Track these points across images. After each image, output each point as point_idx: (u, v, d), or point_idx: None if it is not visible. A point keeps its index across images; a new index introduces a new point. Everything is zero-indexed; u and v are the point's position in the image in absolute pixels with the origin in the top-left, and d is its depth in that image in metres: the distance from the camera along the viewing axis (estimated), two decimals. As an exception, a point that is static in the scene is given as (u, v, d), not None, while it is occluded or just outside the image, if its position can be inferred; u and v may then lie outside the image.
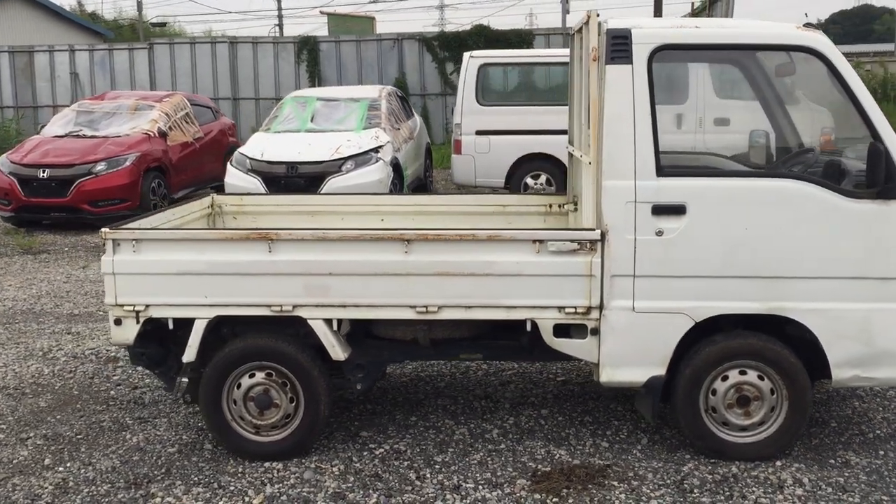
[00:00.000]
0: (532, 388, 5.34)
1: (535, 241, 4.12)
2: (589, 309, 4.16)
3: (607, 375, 4.22)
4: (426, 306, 4.20)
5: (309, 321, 4.26)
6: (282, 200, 5.82)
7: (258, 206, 5.75)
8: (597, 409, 4.98)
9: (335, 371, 4.46)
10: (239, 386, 4.37)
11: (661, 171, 4.08)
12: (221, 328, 4.43)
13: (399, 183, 11.28)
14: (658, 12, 25.95)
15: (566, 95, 11.73)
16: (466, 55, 11.96)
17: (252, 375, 4.36)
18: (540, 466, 4.27)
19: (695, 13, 17.21)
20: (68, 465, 4.45)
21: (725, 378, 4.22)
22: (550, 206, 5.67)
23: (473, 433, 4.68)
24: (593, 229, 4.12)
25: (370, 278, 4.19)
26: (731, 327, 4.26)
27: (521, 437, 4.62)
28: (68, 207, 11.46)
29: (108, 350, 6.32)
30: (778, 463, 4.24)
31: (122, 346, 4.42)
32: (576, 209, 5.60)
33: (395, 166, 11.15)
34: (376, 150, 10.82)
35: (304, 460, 4.38)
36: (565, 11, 30.21)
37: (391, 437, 4.64)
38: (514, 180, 11.86)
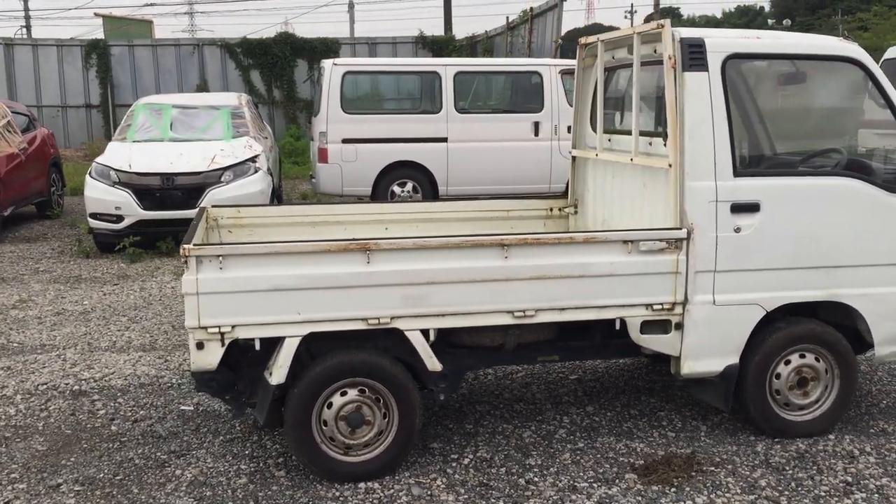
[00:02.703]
0: (555, 388, 5.46)
1: (626, 242, 4.26)
2: (674, 305, 4.35)
3: (689, 367, 4.43)
4: (524, 310, 4.21)
5: (406, 333, 4.13)
6: (280, 212, 5.54)
7: (256, 218, 5.44)
8: (633, 402, 5.18)
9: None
10: (330, 405, 4.15)
11: (737, 171, 4.35)
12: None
13: (271, 194, 10.93)
14: (448, 23, 26.74)
15: (431, 103, 11.99)
16: (328, 63, 11.81)
17: (344, 393, 4.16)
18: (632, 460, 4.40)
19: (510, 26, 17.91)
20: (135, 509, 4.03)
21: (788, 362, 4.57)
22: (551, 209, 5.82)
23: (542, 435, 4.72)
24: (679, 228, 4.32)
25: (469, 285, 4.13)
26: (780, 315, 4.60)
27: (590, 434, 4.72)
28: None
29: (65, 384, 5.70)
30: (832, 437, 4.65)
31: (203, 372, 4.05)
32: (576, 212, 5.79)
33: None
34: (253, 159, 10.43)
35: (397, 478, 4.24)
36: (352, 20, 30.47)
37: (465, 447, 4.58)
38: (381, 188, 11.87)
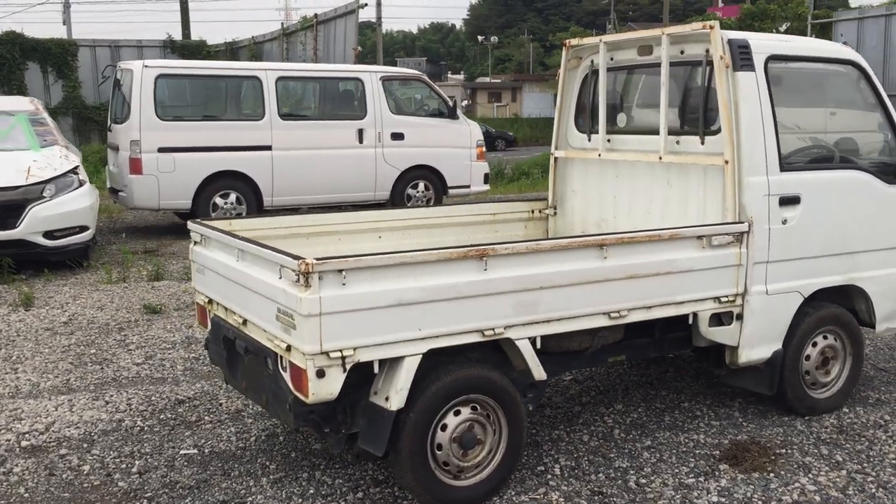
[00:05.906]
0: (562, 390, 5.41)
1: (700, 237, 4.32)
2: (736, 296, 4.49)
3: (746, 356, 4.59)
4: (619, 311, 4.14)
5: (516, 342, 3.90)
6: (273, 224, 4.98)
7: (247, 231, 4.83)
8: (649, 398, 5.26)
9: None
10: (444, 427, 3.81)
11: (783, 166, 4.58)
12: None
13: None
14: (186, 28, 25.56)
15: (253, 109, 11.37)
16: (139, 64, 10.84)
17: (458, 413, 3.84)
18: (708, 451, 4.47)
19: (286, 32, 17.36)
20: (245, 571, 3.44)
21: (815, 344, 4.88)
22: (532, 211, 5.76)
23: (600, 437, 4.66)
24: (741, 222, 4.46)
25: (573, 288, 3.99)
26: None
27: (644, 432, 4.73)
28: None
29: (6, 440, 4.74)
30: (846, 411, 5.02)
31: (323, 403, 3.53)
32: (555, 213, 5.78)
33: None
34: (74, 171, 9.28)
35: (505, 497, 3.98)
36: (69, 22, 28.14)
37: (540, 457, 4.40)
38: (202, 200, 11.07)
